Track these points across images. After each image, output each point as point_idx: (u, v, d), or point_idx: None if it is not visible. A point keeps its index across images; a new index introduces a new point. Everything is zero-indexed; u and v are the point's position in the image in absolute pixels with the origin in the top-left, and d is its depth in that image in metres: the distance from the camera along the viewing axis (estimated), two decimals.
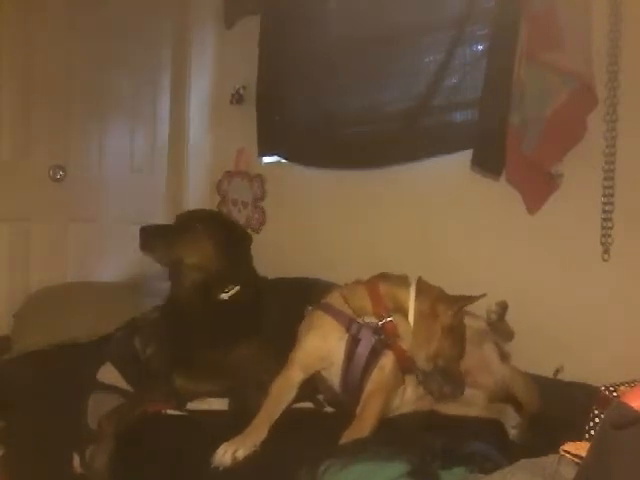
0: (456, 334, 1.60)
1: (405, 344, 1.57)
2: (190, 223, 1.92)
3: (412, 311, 1.58)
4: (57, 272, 2.79)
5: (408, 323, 1.58)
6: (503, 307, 1.78)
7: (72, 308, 2.51)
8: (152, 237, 1.89)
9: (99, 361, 2.06)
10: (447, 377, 1.57)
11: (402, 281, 1.65)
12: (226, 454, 1.37)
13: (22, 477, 1.91)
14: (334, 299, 1.67)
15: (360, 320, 1.59)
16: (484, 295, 1.60)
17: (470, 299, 1.61)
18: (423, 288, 1.63)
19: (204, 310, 1.85)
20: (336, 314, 1.62)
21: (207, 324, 1.82)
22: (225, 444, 1.38)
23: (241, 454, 1.37)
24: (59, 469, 1.65)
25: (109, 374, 1.99)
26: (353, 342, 1.58)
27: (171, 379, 1.78)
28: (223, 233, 1.91)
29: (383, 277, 1.68)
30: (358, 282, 1.70)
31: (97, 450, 1.57)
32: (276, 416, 1.51)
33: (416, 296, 1.60)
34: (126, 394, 1.84)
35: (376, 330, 1.57)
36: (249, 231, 3.00)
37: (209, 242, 1.87)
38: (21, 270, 2.72)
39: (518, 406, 1.65)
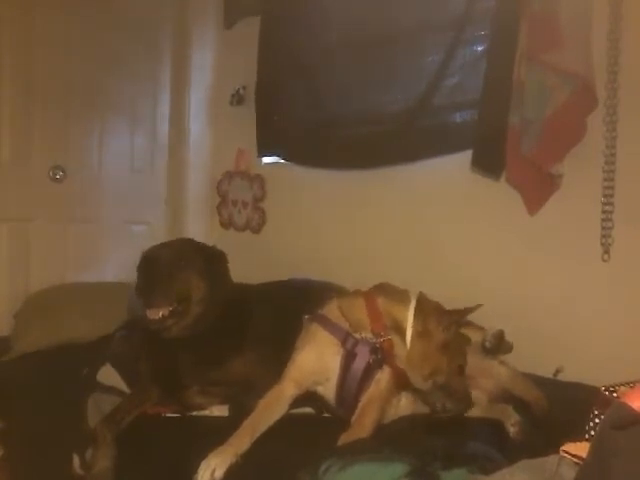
0: (453, 348, 1.56)
1: (401, 363, 1.55)
2: (173, 264, 1.84)
3: (409, 332, 1.54)
4: (57, 272, 2.80)
5: (405, 344, 1.54)
6: (498, 338, 1.73)
7: (72, 308, 2.51)
8: (153, 294, 1.80)
9: (99, 362, 2.06)
10: (448, 393, 1.55)
11: (402, 297, 1.60)
12: (204, 475, 1.33)
13: (22, 477, 1.91)
14: (330, 311, 1.62)
15: (357, 335, 1.55)
16: (480, 305, 1.55)
17: (465, 312, 1.57)
18: (422, 306, 1.58)
19: (193, 335, 1.83)
20: (332, 328, 1.58)
21: (197, 347, 1.81)
22: (203, 462, 1.35)
23: (219, 474, 1.33)
24: (59, 470, 1.65)
25: (109, 375, 1.99)
26: (349, 357, 1.55)
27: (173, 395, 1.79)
28: (201, 260, 1.88)
29: (383, 290, 1.63)
30: (357, 293, 1.65)
31: (96, 454, 1.56)
32: (262, 430, 1.47)
33: (415, 315, 1.55)
34: (125, 396, 1.84)
35: (373, 348, 1.53)
36: (249, 232, 3.02)
37: (195, 274, 1.84)
38: (21, 270, 2.72)
39: (523, 406, 1.65)
